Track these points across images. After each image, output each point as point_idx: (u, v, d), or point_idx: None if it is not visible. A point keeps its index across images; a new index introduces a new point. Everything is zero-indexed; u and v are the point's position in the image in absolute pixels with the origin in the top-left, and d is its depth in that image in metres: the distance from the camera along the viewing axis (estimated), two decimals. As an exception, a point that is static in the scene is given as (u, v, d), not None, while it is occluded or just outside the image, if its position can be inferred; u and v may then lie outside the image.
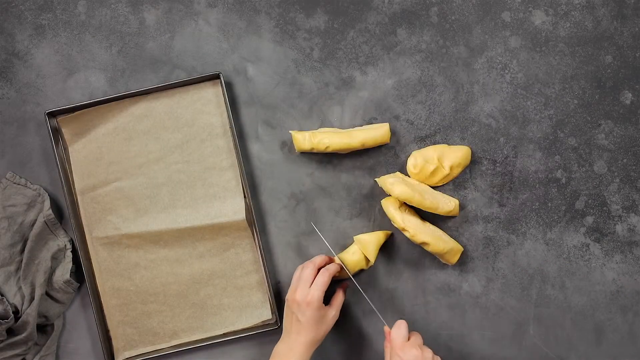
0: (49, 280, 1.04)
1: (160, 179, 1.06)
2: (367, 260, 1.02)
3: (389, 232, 1.06)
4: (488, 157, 1.06)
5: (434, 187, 1.05)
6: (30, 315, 1.01)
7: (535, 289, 1.06)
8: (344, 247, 1.06)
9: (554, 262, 1.06)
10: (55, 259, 1.05)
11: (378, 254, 1.04)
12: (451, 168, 1.03)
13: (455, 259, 1.03)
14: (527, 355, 1.06)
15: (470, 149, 1.06)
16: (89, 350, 1.07)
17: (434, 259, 1.06)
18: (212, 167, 1.06)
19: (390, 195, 1.04)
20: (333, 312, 0.98)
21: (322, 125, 1.06)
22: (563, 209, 1.06)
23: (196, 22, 1.07)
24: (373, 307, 1.01)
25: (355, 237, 1.02)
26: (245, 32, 1.07)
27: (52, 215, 1.04)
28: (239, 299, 1.07)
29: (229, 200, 1.05)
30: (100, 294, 1.06)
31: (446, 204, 1.02)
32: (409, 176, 1.04)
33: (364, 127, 1.04)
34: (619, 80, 1.06)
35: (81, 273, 1.05)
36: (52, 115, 1.04)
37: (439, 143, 1.06)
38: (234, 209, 1.05)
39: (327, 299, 1.01)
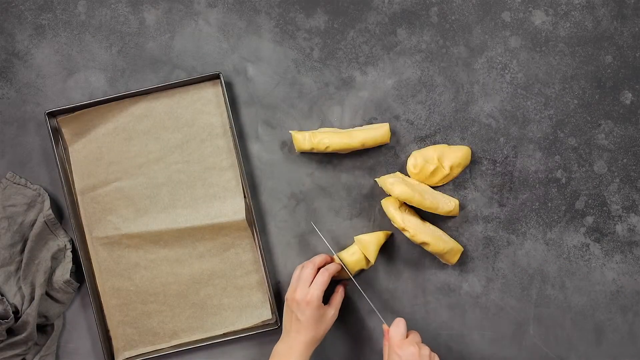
0: (49, 280, 1.04)
1: (160, 179, 1.06)
2: (367, 260, 1.02)
3: (389, 232, 1.06)
4: (488, 157, 1.06)
5: (434, 187, 1.05)
6: (30, 315, 1.01)
7: (535, 289, 1.06)
8: (344, 247, 1.06)
9: (554, 262, 1.06)
10: (55, 259, 1.05)
11: (378, 254, 1.04)
12: (451, 168, 1.03)
13: (455, 259, 1.03)
14: (527, 355, 1.06)
15: (470, 149, 1.06)
16: (89, 350, 1.07)
17: (434, 259, 1.06)
18: (212, 167, 1.06)
19: (390, 195, 1.04)
20: (332, 312, 0.99)
21: (322, 125, 1.06)
22: (563, 209, 1.06)
23: (196, 22, 1.07)
24: (372, 306, 1.01)
25: (355, 238, 1.02)
26: (245, 32, 1.07)
27: (52, 215, 1.04)
28: (239, 299, 1.07)
29: (229, 200, 1.05)
30: (100, 294, 1.06)
31: (446, 204, 1.02)
32: (409, 176, 1.04)
33: (364, 127, 1.04)
34: (619, 80, 1.06)
35: (81, 273, 1.05)
36: (52, 115, 1.04)
37: (439, 143, 1.06)
38: (234, 209, 1.05)
39: (327, 298, 1.01)
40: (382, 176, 1.04)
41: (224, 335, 1.06)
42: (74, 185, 1.06)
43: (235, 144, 1.04)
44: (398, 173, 1.05)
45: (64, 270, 1.04)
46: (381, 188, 1.06)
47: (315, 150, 1.03)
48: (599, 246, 1.06)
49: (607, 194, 1.06)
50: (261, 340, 1.07)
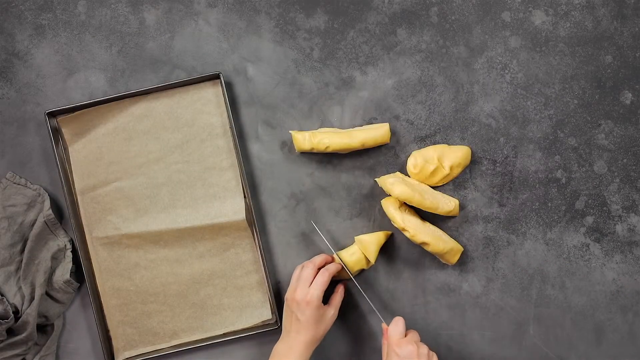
0: (49, 280, 1.04)
1: (160, 179, 1.06)
2: (367, 260, 1.02)
3: (389, 232, 1.06)
4: (488, 157, 1.06)
5: (434, 187, 1.05)
6: (30, 315, 1.01)
7: (535, 289, 1.06)
8: (343, 247, 1.06)
9: (554, 262, 1.06)
10: (55, 259, 1.05)
11: (378, 254, 1.04)
12: (451, 168, 1.03)
13: (455, 259, 1.03)
14: (527, 355, 1.06)
15: (470, 149, 1.06)
16: (89, 350, 1.07)
17: (434, 259, 1.06)
18: (212, 167, 1.06)
19: (390, 195, 1.04)
20: (332, 311, 0.99)
21: (322, 125, 1.06)
22: (563, 209, 1.06)
23: (196, 22, 1.07)
24: (372, 305, 1.01)
25: (356, 238, 1.02)
26: (245, 32, 1.07)
27: (52, 215, 1.04)
28: (239, 299, 1.07)
29: (229, 200, 1.05)
30: (100, 294, 1.06)
31: (446, 204, 1.02)
32: (409, 176, 1.04)
33: (364, 127, 1.04)
34: (619, 80, 1.06)
35: (81, 273, 1.05)
36: (52, 115, 1.04)
37: (439, 143, 1.06)
38: (234, 209, 1.05)
39: (326, 299, 1.01)
40: (382, 176, 1.04)
41: (224, 335, 1.06)
42: (74, 185, 1.06)
43: (235, 144, 1.04)
44: (398, 173, 1.05)
45: (64, 270, 1.04)
46: (381, 188, 1.06)
47: (315, 150, 1.03)
48: (599, 246, 1.06)
49: (607, 194, 1.06)
50: (261, 340, 1.07)
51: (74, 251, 1.06)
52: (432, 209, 1.00)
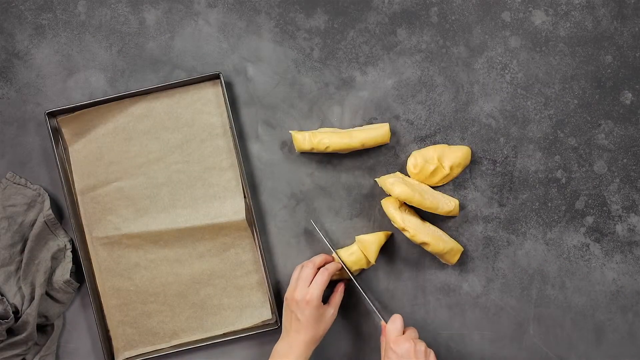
0: (49, 280, 1.04)
1: (160, 179, 1.06)
2: (367, 260, 1.02)
3: (389, 232, 1.06)
4: (488, 157, 1.06)
5: (434, 187, 1.05)
6: (30, 315, 1.01)
7: (535, 289, 1.06)
8: (343, 247, 1.06)
9: (554, 262, 1.06)
10: (55, 259, 1.05)
11: (378, 254, 1.04)
12: (451, 168, 1.03)
13: (455, 259, 1.03)
14: (527, 355, 1.06)
15: (470, 149, 1.06)
16: (89, 350, 1.07)
17: (434, 259, 1.06)
18: (212, 167, 1.06)
19: (390, 195, 1.04)
20: (332, 311, 0.99)
21: (322, 125, 1.06)
22: (563, 209, 1.06)
23: (196, 22, 1.07)
24: (370, 302, 1.01)
25: (356, 237, 1.02)
26: (245, 32, 1.07)
27: (52, 215, 1.04)
28: (239, 299, 1.07)
29: (229, 200, 1.05)
30: (100, 294, 1.06)
31: (446, 204, 1.02)
32: (409, 176, 1.04)
33: (364, 127, 1.04)
34: (619, 80, 1.06)
35: (81, 273, 1.05)
36: (52, 115, 1.04)
37: (439, 143, 1.06)
38: (234, 209, 1.05)
39: (326, 299, 1.01)
40: (382, 176, 1.04)
41: (224, 335, 1.06)
42: (74, 185, 1.06)
43: (235, 144, 1.04)
44: (398, 173, 1.05)
45: (64, 270, 1.04)
46: (381, 188, 1.06)
47: (315, 150, 1.03)
48: (599, 246, 1.06)
49: (607, 194, 1.06)
50: (261, 340, 1.07)
51: (74, 251, 1.06)
52: (432, 209, 1.00)
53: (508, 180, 1.06)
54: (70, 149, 1.06)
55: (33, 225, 1.04)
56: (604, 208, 1.06)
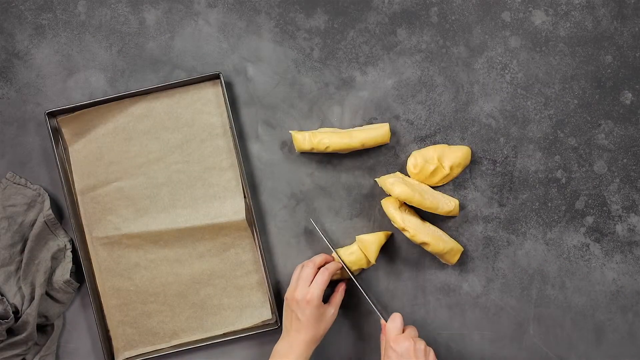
0: (49, 280, 1.04)
1: (160, 179, 1.06)
2: (367, 259, 1.02)
3: (389, 232, 1.06)
4: (488, 157, 1.06)
5: (434, 187, 1.05)
6: (30, 315, 1.01)
7: (535, 289, 1.06)
8: (343, 247, 1.06)
9: (554, 262, 1.06)
10: (55, 259, 1.05)
11: (378, 254, 1.04)
12: (451, 168, 1.03)
13: (455, 259, 1.03)
14: (527, 355, 1.06)
15: (470, 149, 1.06)
16: (89, 350, 1.07)
17: (434, 259, 1.06)
18: (212, 167, 1.06)
19: (390, 195, 1.04)
20: (332, 310, 0.99)
21: (322, 125, 1.06)
22: (563, 209, 1.06)
23: (196, 22, 1.07)
24: (371, 302, 1.01)
25: (357, 237, 1.02)
26: (245, 32, 1.07)
27: (52, 215, 1.04)
28: (239, 299, 1.07)
29: (229, 200, 1.05)
30: (100, 294, 1.06)
31: (446, 204, 1.02)
32: (409, 176, 1.04)
33: (364, 127, 1.04)
34: (619, 80, 1.06)
35: (81, 273, 1.05)
36: (52, 115, 1.04)
37: (439, 143, 1.06)
38: (234, 209, 1.05)
39: (326, 298, 1.01)
40: (382, 176, 1.04)
41: (224, 335, 1.06)
42: (74, 185, 1.06)
43: (235, 144, 1.04)
44: (398, 173, 1.05)
45: (64, 270, 1.04)
46: (381, 188, 1.06)
47: (315, 150, 1.03)
48: (599, 246, 1.06)
49: (607, 194, 1.06)
50: (261, 340, 1.07)
51: (74, 251, 1.06)
52: (432, 209, 1.00)
53: (508, 180, 1.06)
54: (70, 149, 1.06)
55: (33, 225, 1.04)
56: (604, 208, 1.06)
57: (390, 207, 1.00)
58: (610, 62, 1.06)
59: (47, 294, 1.04)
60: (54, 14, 1.07)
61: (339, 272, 1.03)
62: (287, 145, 1.07)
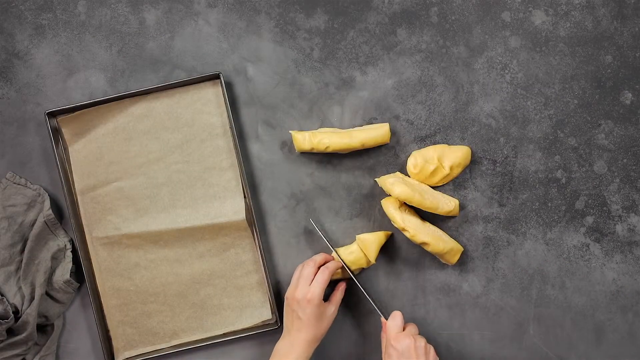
0: (49, 280, 1.04)
1: (160, 179, 1.06)
2: (366, 259, 1.02)
3: (389, 232, 1.06)
4: (488, 157, 1.06)
5: (434, 187, 1.05)
6: (30, 315, 1.01)
7: (535, 289, 1.06)
8: (343, 246, 1.06)
9: (554, 262, 1.06)
10: (55, 259, 1.05)
11: (378, 254, 1.04)
12: (451, 168, 1.03)
13: (455, 259, 1.03)
14: (527, 355, 1.06)
15: (470, 149, 1.06)
16: (89, 350, 1.07)
17: (434, 259, 1.06)
18: (212, 167, 1.06)
19: (390, 195, 1.04)
20: (332, 308, 0.99)
21: (322, 125, 1.06)
22: (563, 209, 1.06)
23: (196, 22, 1.07)
24: (371, 301, 1.01)
25: (357, 237, 1.02)
26: (245, 32, 1.07)
27: (52, 215, 1.04)
28: (239, 299, 1.07)
29: (229, 200, 1.05)
30: (100, 294, 1.06)
31: (446, 204, 1.02)
32: (409, 176, 1.04)
33: (364, 127, 1.04)
34: (619, 80, 1.06)
35: (81, 273, 1.05)
36: (52, 115, 1.04)
37: (439, 143, 1.06)
38: (234, 209, 1.05)
39: (326, 298, 1.01)
40: (382, 176, 1.04)
41: (224, 335, 1.06)
42: (74, 185, 1.06)
43: (235, 144, 1.04)
44: (398, 173, 1.05)
45: (64, 270, 1.04)
46: (381, 188, 1.06)
47: (315, 150, 1.03)
48: (599, 246, 1.06)
49: (607, 194, 1.06)
50: (261, 340, 1.07)
51: (74, 251, 1.06)
52: (432, 209, 1.00)
53: (508, 180, 1.06)
54: (70, 149, 1.06)
55: (33, 225, 1.04)
56: (604, 208, 1.06)
57: (390, 207, 1.00)
58: (610, 62, 1.06)
59: (47, 294, 1.04)
60: (54, 14, 1.07)
61: (339, 271, 1.03)
62: (287, 145, 1.07)
